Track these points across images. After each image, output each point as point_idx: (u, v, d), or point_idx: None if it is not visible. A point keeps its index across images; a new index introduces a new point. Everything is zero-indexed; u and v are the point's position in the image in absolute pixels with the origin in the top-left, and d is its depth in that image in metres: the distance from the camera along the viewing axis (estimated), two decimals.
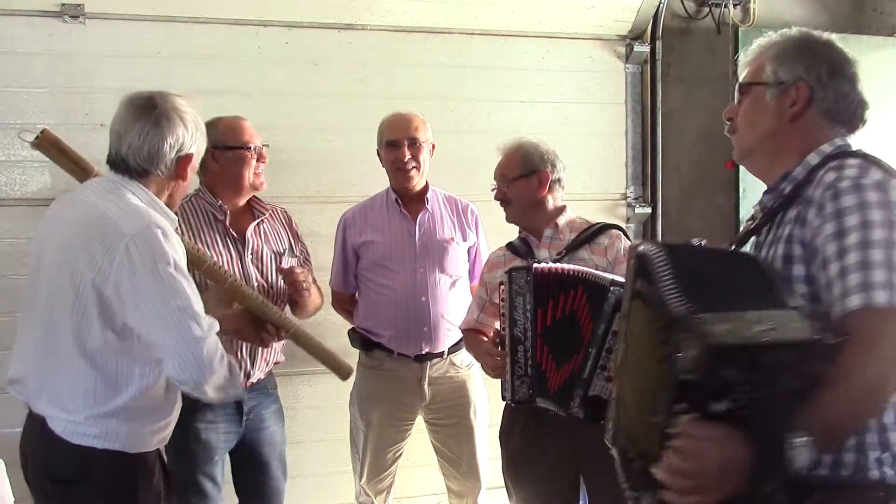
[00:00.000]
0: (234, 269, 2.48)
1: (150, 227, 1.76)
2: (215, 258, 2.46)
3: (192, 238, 2.45)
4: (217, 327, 1.86)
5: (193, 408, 2.40)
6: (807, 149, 1.48)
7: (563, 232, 2.48)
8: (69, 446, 1.80)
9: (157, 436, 1.92)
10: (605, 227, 2.48)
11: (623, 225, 3.73)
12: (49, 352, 1.83)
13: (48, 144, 2.09)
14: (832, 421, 1.22)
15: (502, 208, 2.54)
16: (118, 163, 1.90)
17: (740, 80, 1.59)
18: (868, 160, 1.41)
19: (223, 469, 2.59)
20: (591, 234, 2.44)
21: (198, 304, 1.80)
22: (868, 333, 1.24)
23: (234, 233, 2.54)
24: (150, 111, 1.89)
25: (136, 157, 1.87)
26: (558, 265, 2.26)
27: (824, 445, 1.22)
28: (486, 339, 2.52)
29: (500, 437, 2.54)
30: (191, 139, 1.92)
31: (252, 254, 2.55)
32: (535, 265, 2.24)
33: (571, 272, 2.20)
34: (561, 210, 2.53)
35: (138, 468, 1.87)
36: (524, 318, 2.21)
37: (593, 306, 2.11)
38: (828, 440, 1.22)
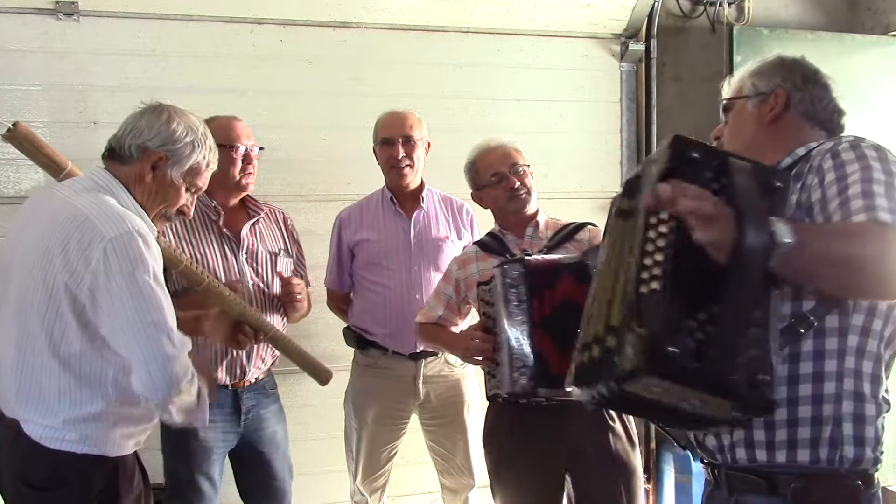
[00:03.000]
0: (228, 269, 2.48)
1: (131, 232, 1.69)
2: (210, 257, 2.46)
3: (187, 236, 2.46)
4: (189, 345, 1.78)
5: None
6: (791, 146, 1.52)
7: (542, 231, 2.49)
8: (48, 452, 1.75)
9: (134, 439, 1.88)
10: (582, 225, 2.49)
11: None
12: (23, 354, 1.76)
13: (21, 138, 2.05)
14: (811, 230, 1.27)
15: (524, 199, 2.46)
16: (111, 149, 1.89)
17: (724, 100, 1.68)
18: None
19: (221, 469, 2.58)
20: (569, 231, 2.46)
21: (172, 318, 1.74)
22: (878, 231, 1.25)
23: (228, 233, 2.53)
24: (153, 107, 1.92)
25: (121, 140, 1.87)
26: (547, 256, 2.30)
27: (802, 249, 1.18)
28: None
29: (483, 439, 2.52)
30: (164, 140, 1.86)
31: (247, 253, 2.55)
32: (528, 257, 2.26)
33: (555, 262, 2.25)
34: (537, 211, 2.53)
35: (119, 472, 1.82)
36: (519, 309, 2.21)
37: (584, 284, 2.12)
38: (805, 244, 1.19)
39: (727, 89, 1.69)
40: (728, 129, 1.66)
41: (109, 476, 1.81)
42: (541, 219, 2.51)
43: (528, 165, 2.50)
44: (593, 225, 2.50)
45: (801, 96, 1.58)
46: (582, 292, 2.09)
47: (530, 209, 2.49)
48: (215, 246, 2.50)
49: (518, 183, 2.45)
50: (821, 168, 1.39)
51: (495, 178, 2.47)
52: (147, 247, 1.71)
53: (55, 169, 2.09)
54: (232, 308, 2.25)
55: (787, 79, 1.59)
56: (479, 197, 2.55)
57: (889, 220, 1.25)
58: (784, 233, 1.16)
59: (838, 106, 1.61)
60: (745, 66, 1.69)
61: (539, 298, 2.20)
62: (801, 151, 1.50)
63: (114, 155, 1.88)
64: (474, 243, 2.59)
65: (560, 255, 2.32)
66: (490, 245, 2.50)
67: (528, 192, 2.47)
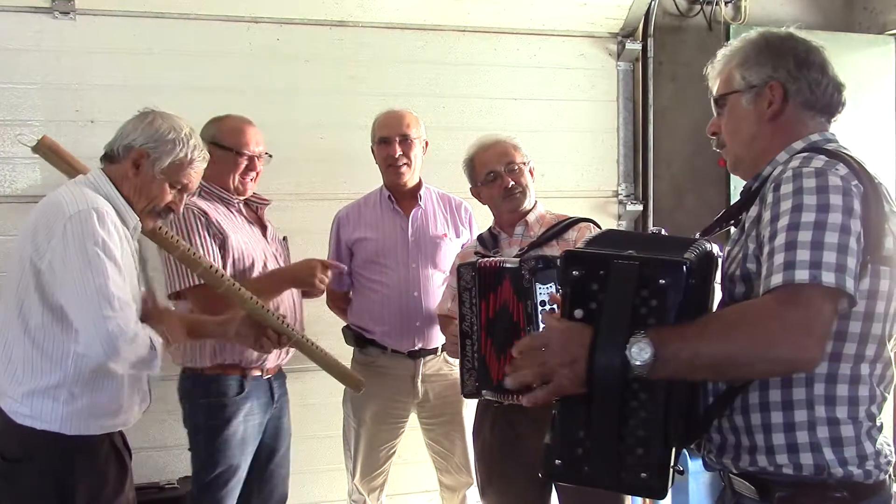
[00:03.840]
0: (264, 253, 2.57)
1: (89, 209, 1.86)
2: (247, 241, 2.53)
3: (224, 225, 2.49)
4: (129, 310, 1.89)
5: (234, 402, 2.46)
6: (793, 139, 1.46)
7: (532, 228, 2.46)
8: (14, 425, 1.90)
9: (102, 421, 1.96)
10: (574, 222, 2.45)
11: (615, 223, 3.76)
12: (3, 329, 1.93)
13: (46, 149, 2.17)
14: (678, 338, 1.23)
15: (518, 198, 2.45)
16: (106, 153, 2.04)
17: (714, 94, 1.57)
18: (818, 151, 1.39)
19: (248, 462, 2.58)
20: (559, 229, 2.42)
21: (118, 286, 1.86)
22: (776, 298, 1.23)
23: (249, 219, 2.62)
24: (141, 113, 2.05)
25: (112, 143, 2.03)
26: (497, 258, 2.29)
27: (667, 361, 1.21)
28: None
29: (472, 434, 2.56)
30: (147, 138, 1.99)
31: (270, 239, 2.66)
32: (481, 260, 2.26)
33: (498, 264, 2.23)
34: (531, 206, 2.51)
35: (78, 451, 1.92)
36: (471, 312, 2.24)
37: (518, 292, 2.15)
38: (669, 357, 1.21)
39: (712, 79, 1.56)
40: (725, 125, 1.55)
41: (67, 454, 1.91)
42: (532, 216, 2.48)
43: (526, 163, 2.49)
44: (589, 221, 2.48)
45: (797, 86, 1.46)
46: (513, 300, 2.15)
47: (526, 207, 2.48)
48: (249, 230, 2.59)
49: (512, 182, 2.44)
50: (766, 201, 1.34)
51: (490, 176, 2.47)
52: (102, 223, 1.87)
53: (76, 176, 2.15)
54: (254, 311, 2.27)
55: (778, 67, 1.46)
56: (477, 192, 2.57)
57: (805, 279, 1.21)
58: (641, 351, 1.20)
59: (836, 82, 1.48)
60: (726, 51, 1.54)
61: (486, 301, 2.22)
62: (781, 159, 1.43)
63: (108, 157, 2.04)
64: (477, 238, 2.60)
65: (502, 258, 2.30)
66: (487, 242, 2.50)
67: (523, 192, 2.46)
